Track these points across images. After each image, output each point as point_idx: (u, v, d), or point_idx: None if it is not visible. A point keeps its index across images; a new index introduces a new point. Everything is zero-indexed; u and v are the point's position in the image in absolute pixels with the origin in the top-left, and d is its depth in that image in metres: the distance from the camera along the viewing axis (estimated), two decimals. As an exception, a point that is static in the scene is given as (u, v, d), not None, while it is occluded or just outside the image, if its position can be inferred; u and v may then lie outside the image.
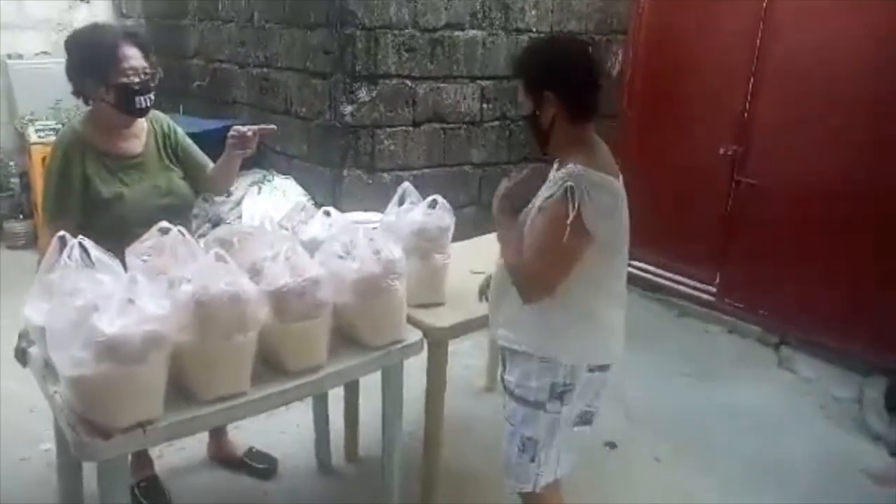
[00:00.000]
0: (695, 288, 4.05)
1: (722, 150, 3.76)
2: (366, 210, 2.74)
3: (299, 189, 3.81)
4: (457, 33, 3.70)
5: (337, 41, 3.46)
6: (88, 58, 1.88)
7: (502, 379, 1.79)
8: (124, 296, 1.39)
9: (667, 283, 4.17)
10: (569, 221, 1.51)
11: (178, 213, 2.00)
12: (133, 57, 1.89)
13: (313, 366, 1.70)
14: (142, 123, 2.03)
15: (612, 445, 2.79)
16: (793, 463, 2.72)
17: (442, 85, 3.73)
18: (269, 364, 1.68)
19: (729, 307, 3.88)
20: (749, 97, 3.65)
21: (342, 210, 2.27)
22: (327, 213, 2.00)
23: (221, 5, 4.29)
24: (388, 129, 3.61)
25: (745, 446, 2.81)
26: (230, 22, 4.25)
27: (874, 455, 2.82)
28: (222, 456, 2.50)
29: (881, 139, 3.19)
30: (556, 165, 1.71)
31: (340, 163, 3.59)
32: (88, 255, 1.55)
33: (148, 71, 1.92)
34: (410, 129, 3.69)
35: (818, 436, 2.94)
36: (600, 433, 2.79)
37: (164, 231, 1.72)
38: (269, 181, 3.85)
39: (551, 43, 1.79)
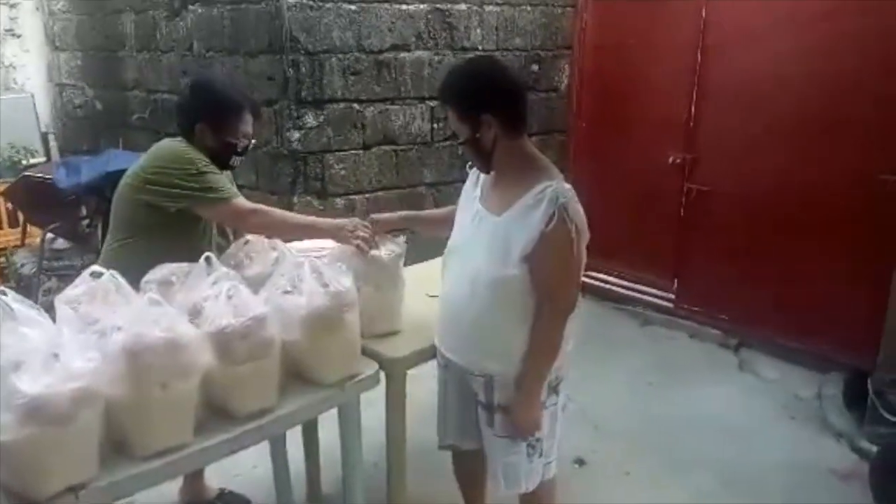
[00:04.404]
0: (655, 296, 4.08)
1: (671, 159, 3.81)
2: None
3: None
4: (402, 54, 3.67)
5: (280, 67, 3.40)
6: (214, 106, 2.00)
7: (486, 404, 1.80)
8: (49, 350, 1.28)
9: (629, 293, 4.19)
10: (574, 235, 1.61)
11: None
12: (248, 123, 2.05)
13: (263, 409, 1.61)
14: None
15: (580, 462, 2.75)
16: (762, 468, 2.72)
17: (390, 107, 3.69)
18: (215, 410, 1.58)
19: (687, 312, 3.92)
20: (693, 106, 3.71)
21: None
22: (273, 248, 1.92)
23: (160, 35, 4.18)
24: (338, 154, 3.55)
25: (714, 453, 2.80)
26: (169, 52, 4.14)
27: (838, 452, 2.84)
28: (194, 499, 2.41)
29: (827, 140, 3.26)
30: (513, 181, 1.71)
31: (291, 190, 3.52)
32: (10, 308, 1.44)
33: (251, 139, 2.08)
34: (361, 152, 3.64)
35: (784, 437, 2.96)
36: (568, 450, 2.74)
37: (97, 275, 1.62)
38: (217, 213, 3.73)
39: (474, 66, 1.80)
